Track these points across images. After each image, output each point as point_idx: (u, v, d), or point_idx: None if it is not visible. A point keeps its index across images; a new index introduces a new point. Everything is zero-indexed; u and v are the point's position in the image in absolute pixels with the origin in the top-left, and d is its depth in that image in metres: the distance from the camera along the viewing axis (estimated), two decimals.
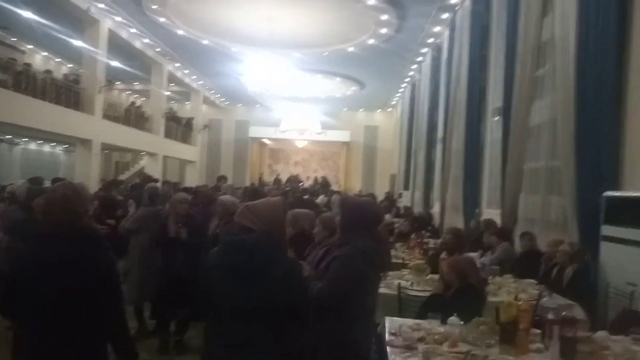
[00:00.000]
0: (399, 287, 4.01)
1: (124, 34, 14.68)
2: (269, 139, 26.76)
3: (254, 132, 25.54)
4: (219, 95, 24.10)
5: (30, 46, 17.20)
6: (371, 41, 13.52)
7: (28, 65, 13.02)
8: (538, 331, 2.81)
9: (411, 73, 17.01)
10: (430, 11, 11.19)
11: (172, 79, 19.42)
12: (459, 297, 3.16)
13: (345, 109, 24.95)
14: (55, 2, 11.84)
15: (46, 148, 22.49)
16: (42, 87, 12.35)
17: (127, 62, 16.46)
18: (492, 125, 8.51)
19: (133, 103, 20.19)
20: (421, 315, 3.24)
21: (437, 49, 12.89)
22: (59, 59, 18.81)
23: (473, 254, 5.96)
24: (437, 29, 12.24)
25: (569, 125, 5.07)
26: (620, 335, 2.95)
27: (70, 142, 16.47)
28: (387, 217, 9.49)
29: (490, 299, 3.67)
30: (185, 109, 24.60)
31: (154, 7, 12.21)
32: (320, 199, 9.67)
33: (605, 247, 4.32)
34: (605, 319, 4.03)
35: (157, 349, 4.72)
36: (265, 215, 2.27)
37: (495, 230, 6.20)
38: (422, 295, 3.78)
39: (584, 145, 4.84)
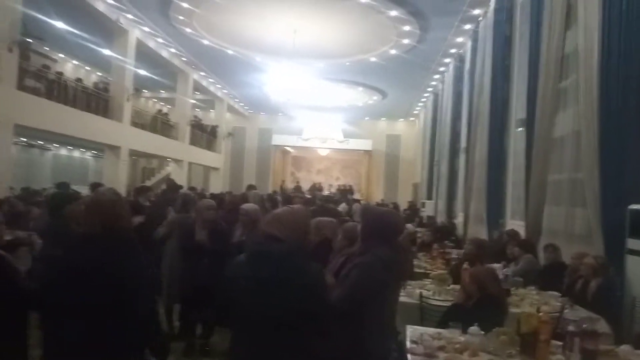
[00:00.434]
0: (421, 296, 4.05)
1: (151, 44, 15.08)
2: (292, 146, 26.98)
3: (277, 140, 25.80)
4: (242, 103, 24.46)
5: (62, 55, 17.78)
6: (393, 51, 13.60)
7: (60, 73, 13.46)
8: (560, 343, 2.83)
9: (434, 83, 17.00)
10: (452, 22, 11.22)
11: (197, 87, 19.81)
12: (480, 308, 3.19)
13: (367, 117, 25.03)
14: (86, 13, 12.25)
15: (76, 154, 23.09)
16: (73, 95, 12.75)
17: (154, 70, 16.90)
18: (516, 136, 8.47)
19: (160, 111, 20.64)
20: (442, 324, 3.28)
21: (459, 59, 12.89)
22: (89, 67, 19.38)
23: (496, 265, 5.97)
24: (459, 39, 12.25)
25: (593, 137, 5.05)
26: None
27: (99, 148, 16.92)
28: (410, 226, 9.48)
29: (513, 310, 3.68)
30: (209, 117, 25.03)
31: (181, 18, 12.53)
32: (342, 207, 9.70)
33: (630, 261, 4.29)
34: (630, 333, 3.99)
35: (182, 352, 4.84)
36: (291, 224, 2.31)
37: (519, 241, 6.18)
38: (443, 305, 3.81)
39: (607, 158, 4.81)
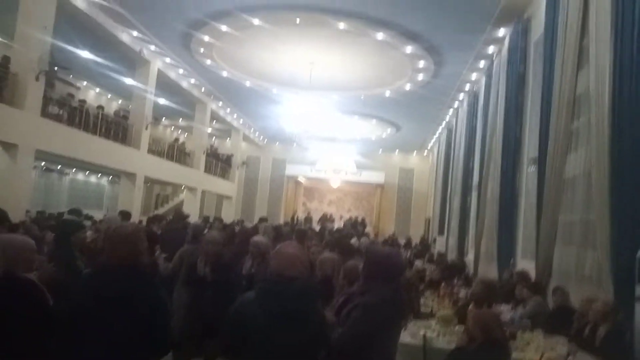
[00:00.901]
0: (424, 337, 3.99)
1: (172, 74, 15.51)
2: (305, 177, 27.14)
3: (290, 170, 26.03)
4: (258, 133, 24.80)
5: (86, 82, 18.35)
6: (408, 86, 13.77)
7: (83, 102, 13.86)
8: None
9: (448, 118, 17.09)
10: (467, 59, 11.37)
11: (214, 116, 20.20)
12: (482, 352, 3.14)
13: (381, 150, 25.15)
14: (111, 44, 12.71)
15: (93, 179, 23.52)
16: (93, 122, 13.09)
17: (173, 99, 17.32)
18: (528, 175, 8.43)
19: (176, 139, 21.03)
20: None
21: (473, 95, 12.97)
22: (111, 95, 19.93)
23: (504, 307, 5.88)
24: (474, 76, 12.38)
25: (604, 179, 5.01)
26: None
27: (116, 174, 17.21)
28: (419, 263, 9.40)
29: (517, 354, 3.62)
30: (225, 146, 25.41)
31: (201, 50, 12.91)
32: (353, 241, 9.64)
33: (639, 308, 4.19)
34: None
35: None
36: (299, 263, 2.36)
37: (528, 283, 6.08)
38: (446, 348, 3.76)
39: (618, 200, 4.76)
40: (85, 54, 13.69)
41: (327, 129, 19.78)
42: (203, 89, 17.35)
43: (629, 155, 4.74)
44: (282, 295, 2.24)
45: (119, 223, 6.68)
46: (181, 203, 21.77)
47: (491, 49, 10.58)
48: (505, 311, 5.60)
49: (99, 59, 14.16)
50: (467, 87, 13.30)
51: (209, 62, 13.83)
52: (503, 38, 9.76)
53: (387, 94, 14.73)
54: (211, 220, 11.42)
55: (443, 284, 6.79)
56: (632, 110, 4.74)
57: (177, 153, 18.61)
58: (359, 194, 27.90)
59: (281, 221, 22.92)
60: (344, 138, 22.32)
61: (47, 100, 10.88)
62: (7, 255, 2.55)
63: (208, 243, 4.85)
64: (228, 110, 20.30)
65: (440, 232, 16.92)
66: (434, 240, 17.55)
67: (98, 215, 13.66)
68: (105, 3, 10.68)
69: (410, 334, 4.12)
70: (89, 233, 6.33)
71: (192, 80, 16.40)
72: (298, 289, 2.26)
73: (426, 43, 10.84)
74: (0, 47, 12.21)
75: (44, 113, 10.61)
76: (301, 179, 27.78)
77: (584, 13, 6.00)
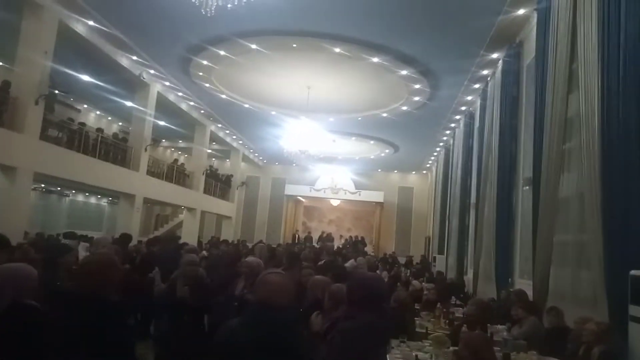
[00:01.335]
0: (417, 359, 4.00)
1: (171, 97, 15.69)
2: (304, 197, 27.19)
3: (290, 190, 26.08)
4: (257, 154, 24.94)
5: (85, 105, 18.55)
6: (404, 108, 13.91)
7: (82, 124, 13.98)
8: None
9: (445, 138, 17.21)
10: (462, 81, 11.52)
11: (214, 138, 20.35)
12: None
13: (380, 169, 25.25)
14: (111, 68, 12.89)
15: (92, 200, 23.58)
16: (93, 145, 13.20)
17: (173, 121, 17.50)
18: (524, 194, 8.49)
19: (176, 160, 21.13)
20: None
21: (469, 116, 13.10)
22: (111, 118, 20.12)
23: (500, 327, 5.88)
24: (469, 97, 12.52)
25: (595, 199, 5.07)
26: None
27: (115, 195, 17.26)
28: (416, 283, 9.39)
29: None
30: (225, 166, 25.52)
31: (200, 74, 13.09)
32: (350, 263, 9.64)
33: (632, 328, 4.20)
34: None
35: None
36: (284, 292, 2.37)
37: (524, 303, 6.08)
38: None
39: (610, 221, 4.81)
40: (85, 77, 13.91)
41: (326, 149, 19.90)
42: (202, 111, 17.53)
43: (619, 176, 4.80)
44: (266, 324, 2.24)
45: (109, 244, 6.70)
46: (180, 223, 21.78)
47: (485, 72, 10.74)
48: (500, 332, 5.60)
49: (99, 82, 14.37)
50: (463, 108, 13.44)
51: (207, 85, 14.01)
52: (497, 61, 9.92)
53: (384, 115, 14.87)
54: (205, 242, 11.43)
55: (439, 305, 6.76)
56: (620, 132, 4.82)
57: (176, 174, 18.70)
58: (358, 213, 27.92)
59: (281, 241, 22.91)
60: (342, 158, 22.47)
61: (46, 123, 10.97)
62: (15, 284, 2.66)
63: (187, 265, 4.84)
64: (227, 131, 20.47)
65: (440, 251, 16.89)
66: (434, 259, 17.49)
67: (97, 236, 13.67)
68: (105, 28, 10.87)
69: (403, 356, 4.12)
70: (83, 254, 6.37)
71: (192, 103, 16.58)
72: (282, 318, 2.27)
73: (422, 67, 10.99)
74: (1, 71, 12.39)
75: (43, 136, 10.69)
76: (301, 199, 27.82)
77: (572, 38, 6.13)
